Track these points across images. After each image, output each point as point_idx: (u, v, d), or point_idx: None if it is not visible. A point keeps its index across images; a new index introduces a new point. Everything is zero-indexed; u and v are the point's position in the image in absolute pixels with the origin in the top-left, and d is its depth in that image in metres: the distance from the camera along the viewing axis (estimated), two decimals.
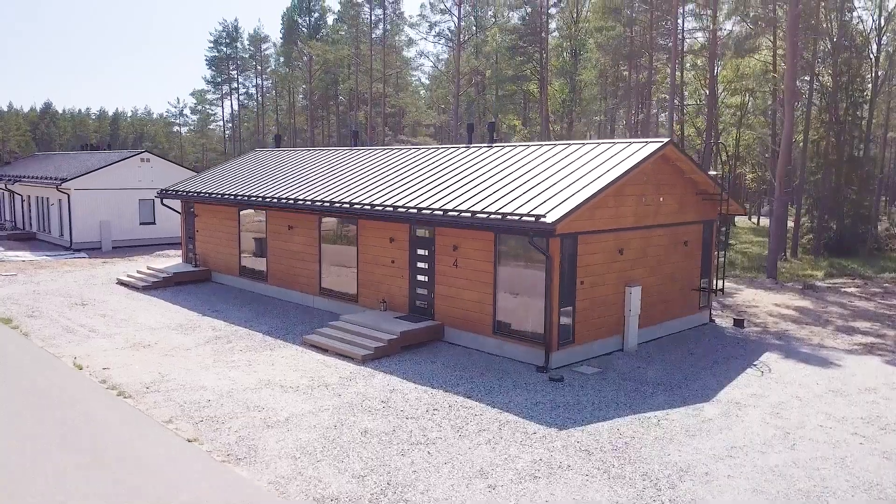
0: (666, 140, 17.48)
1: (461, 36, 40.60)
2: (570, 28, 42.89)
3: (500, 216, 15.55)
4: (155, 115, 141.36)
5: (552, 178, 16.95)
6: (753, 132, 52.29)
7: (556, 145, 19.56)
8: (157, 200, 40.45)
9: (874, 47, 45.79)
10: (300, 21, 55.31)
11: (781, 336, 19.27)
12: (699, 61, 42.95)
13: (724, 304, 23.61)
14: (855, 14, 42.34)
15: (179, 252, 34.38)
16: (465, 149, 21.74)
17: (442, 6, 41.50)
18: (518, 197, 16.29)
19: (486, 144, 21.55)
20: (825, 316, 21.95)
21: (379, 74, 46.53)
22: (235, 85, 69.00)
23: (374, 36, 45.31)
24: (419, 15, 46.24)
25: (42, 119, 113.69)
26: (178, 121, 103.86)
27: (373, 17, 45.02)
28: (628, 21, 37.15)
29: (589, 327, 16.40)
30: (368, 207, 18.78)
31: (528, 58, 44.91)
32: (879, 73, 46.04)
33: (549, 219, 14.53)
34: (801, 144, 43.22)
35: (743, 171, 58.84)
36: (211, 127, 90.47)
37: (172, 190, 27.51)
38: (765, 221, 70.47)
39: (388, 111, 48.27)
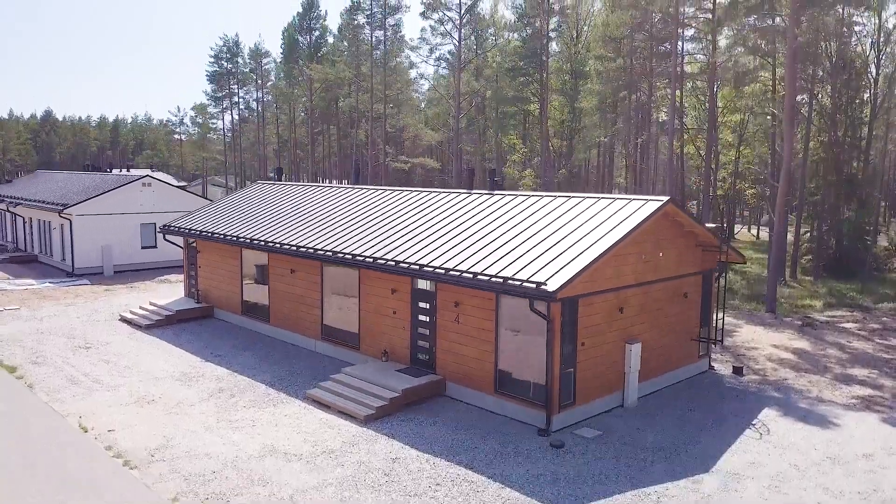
0: (665, 199, 17.64)
1: (461, 58, 40.73)
2: (570, 49, 43.03)
3: (501, 279, 15.70)
4: (155, 122, 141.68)
5: (553, 236, 17.10)
6: (753, 151, 52.49)
7: (556, 197, 19.71)
8: (159, 223, 40.74)
9: (873, 69, 45.95)
10: (301, 39, 55.49)
11: (780, 387, 19.42)
12: (699, 82, 43.06)
13: (724, 344, 23.75)
14: (853, 36, 42.39)
15: (181, 277, 34.57)
16: (466, 195, 21.89)
17: (442, 29, 41.73)
18: (519, 257, 16.44)
19: (486, 192, 21.70)
20: (823, 361, 22.10)
21: (379, 95, 46.67)
22: (236, 99, 69.26)
23: (374, 57, 45.44)
24: (420, 38, 46.65)
25: (43, 127, 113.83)
26: (178, 129, 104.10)
27: (373, 39, 45.15)
28: (628, 52, 37.31)
29: (590, 387, 16.56)
30: (371, 260, 18.93)
31: (528, 79, 45.06)
32: (878, 95, 46.16)
33: (551, 287, 14.68)
34: (800, 166, 43.32)
35: (742, 187, 59.10)
36: (211, 136, 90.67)
37: (175, 226, 27.64)
38: (764, 233, 70.75)
39: (388, 130, 48.39)
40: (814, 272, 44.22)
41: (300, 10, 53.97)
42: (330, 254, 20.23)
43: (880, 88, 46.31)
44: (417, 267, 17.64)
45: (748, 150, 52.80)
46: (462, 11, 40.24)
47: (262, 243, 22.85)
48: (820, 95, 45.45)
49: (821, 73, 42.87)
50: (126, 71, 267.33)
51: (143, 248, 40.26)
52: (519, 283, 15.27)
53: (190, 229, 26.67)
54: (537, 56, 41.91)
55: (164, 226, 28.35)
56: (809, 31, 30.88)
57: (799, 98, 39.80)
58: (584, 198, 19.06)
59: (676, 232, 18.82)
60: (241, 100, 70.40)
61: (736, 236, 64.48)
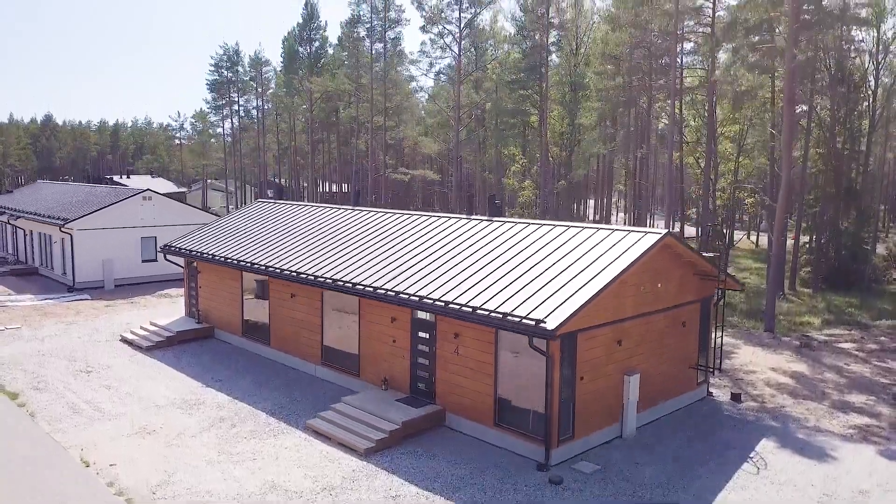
0: (664, 232, 17.75)
1: (461, 71, 40.81)
2: (569, 62, 43.13)
3: (500, 315, 15.80)
4: (155, 125, 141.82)
5: (552, 268, 17.19)
6: (752, 161, 52.55)
7: (554, 226, 19.80)
8: (160, 237, 40.87)
9: (872, 81, 46.04)
10: (301, 49, 55.59)
11: (778, 415, 19.53)
12: (698, 95, 43.15)
13: (723, 367, 23.83)
14: (852, 48, 42.47)
15: (181, 291, 34.65)
16: (465, 221, 22.00)
17: (442, 42, 41.85)
18: (519, 290, 16.54)
19: (486, 218, 21.80)
20: (821, 386, 22.20)
21: (379, 107, 46.78)
22: (236, 107, 69.35)
23: (374, 70, 45.55)
24: (420, 51, 46.62)
25: (43, 132, 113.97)
26: (178, 134, 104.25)
27: (373, 52, 45.23)
28: (628, 70, 37.44)
29: (589, 420, 16.66)
30: (371, 290, 19.04)
31: (528, 90, 45.14)
32: (877, 107, 46.27)
33: (550, 325, 14.78)
34: (799, 177, 43.40)
35: (742, 196, 59.23)
36: (211, 142, 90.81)
37: (175, 246, 27.73)
38: (763, 239, 70.69)
39: (388, 142, 48.52)
40: (813, 284, 44.36)
41: (300, 20, 54.15)
42: (330, 281, 20.34)
43: (879, 100, 46.40)
44: (417, 299, 17.75)
45: (747, 161, 52.88)
46: (462, 25, 40.33)
47: (263, 268, 22.95)
48: (819, 107, 45.59)
49: (820, 85, 42.98)
50: (126, 74, 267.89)
51: (143, 261, 40.36)
52: (518, 319, 15.37)
53: (190, 250, 26.77)
54: (537, 69, 42.01)
55: (165, 245, 28.45)
56: (808, 48, 30.98)
57: (798, 109, 39.90)
58: (583, 228, 19.16)
59: (675, 262, 18.92)
60: (241, 108, 70.54)
61: (735, 244, 64.56)
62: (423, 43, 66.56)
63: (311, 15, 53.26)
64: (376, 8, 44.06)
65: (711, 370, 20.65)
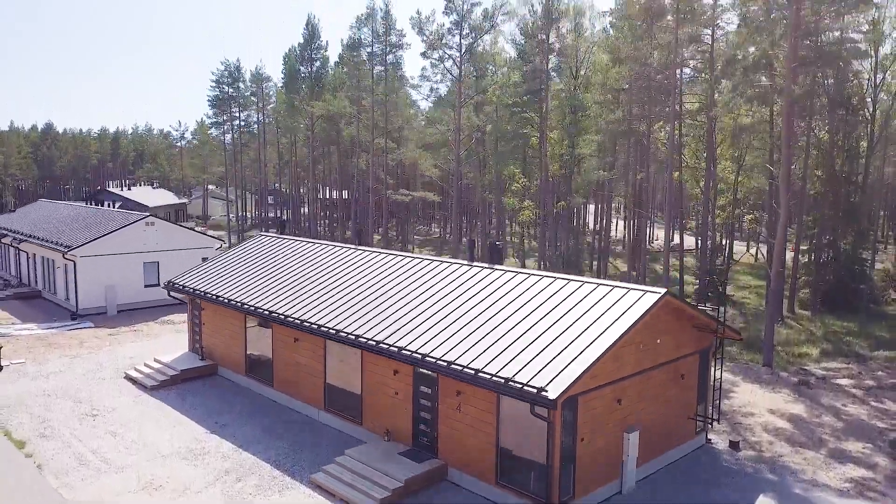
0: (663, 292, 17.98)
1: (461, 96, 41.05)
2: (569, 84, 43.33)
3: (501, 380, 16.02)
4: (155, 131, 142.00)
5: (553, 328, 17.41)
6: (751, 181, 52.79)
7: (555, 279, 20.01)
8: (162, 262, 41.19)
9: (870, 103, 46.23)
10: (301, 69, 55.75)
11: (775, 466, 19.78)
12: (698, 118, 43.33)
13: (722, 407, 24.09)
14: (850, 71, 42.66)
15: (184, 317, 34.88)
16: (467, 268, 22.23)
17: (442, 67, 42.10)
18: (521, 352, 16.75)
19: (488, 266, 22.04)
20: (818, 432, 22.45)
21: (381, 129, 47.05)
22: (238, 122, 69.60)
23: (374, 94, 45.81)
24: (420, 76, 46.94)
25: (43, 141, 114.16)
26: (179, 143, 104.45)
27: (374, 76, 45.47)
28: (627, 102, 37.70)
29: (589, 479, 16.90)
30: (374, 343, 19.28)
31: (527, 111, 45.37)
32: (876, 132, 46.49)
33: (551, 393, 15.01)
34: (798, 199, 43.61)
35: (742, 212, 59.58)
36: (212, 152, 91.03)
37: (179, 284, 27.96)
38: (763, 248, 70.90)
39: (389, 163, 48.77)
40: (812, 306, 44.62)
41: (301, 40, 54.37)
42: (333, 332, 20.58)
43: (878, 122, 46.62)
44: (420, 356, 17.97)
45: (747, 179, 53.12)
46: (462, 51, 40.56)
47: (266, 313, 23.19)
48: (817, 128, 45.83)
49: (818, 107, 43.17)
50: (126, 78, 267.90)
51: (146, 286, 40.64)
52: (520, 385, 15.60)
53: (194, 289, 27.01)
54: (537, 93, 42.25)
55: (169, 282, 28.68)
56: (806, 82, 31.22)
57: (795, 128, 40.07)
58: (583, 283, 19.38)
59: (673, 317, 19.17)
60: (242, 123, 70.77)
61: (736, 261, 64.81)
62: (423, 68, 66.60)
63: (312, 35, 53.43)
64: (377, 32, 44.35)
65: (710, 420, 20.89)
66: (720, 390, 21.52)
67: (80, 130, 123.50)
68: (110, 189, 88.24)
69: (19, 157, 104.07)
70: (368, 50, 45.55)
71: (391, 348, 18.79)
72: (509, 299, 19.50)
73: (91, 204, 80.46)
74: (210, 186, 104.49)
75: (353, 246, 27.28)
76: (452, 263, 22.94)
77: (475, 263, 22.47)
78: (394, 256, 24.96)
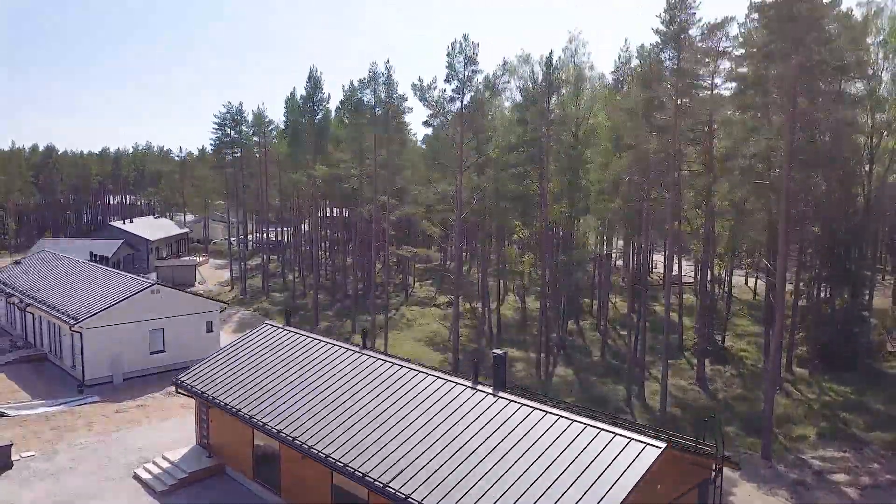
0: (664, 445, 18.45)
1: (462, 162, 41.52)
2: (569, 153, 43.87)
3: None
4: (155, 149, 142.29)
5: (557, 483, 17.90)
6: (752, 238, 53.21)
7: (559, 418, 20.38)
8: (167, 328, 41.73)
9: (867, 157, 46.66)
10: (303, 120, 56.15)
11: None
12: (698, 179, 43.73)
13: None
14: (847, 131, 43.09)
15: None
16: (472, 392, 22.70)
17: (444, 134, 42.60)
18: None
19: (492, 392, 22.51)
20: None
21: (383, 188, 47.56)
22: (240, 167, 70.10)
23: (377, 159, 46.35)
24: (422, 142, 47.50)
25: (45, 165, 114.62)
26: (180, 171, 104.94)
27: (376, 141, 45.96)
28: (626, 192, 38.24)
29: None
30: (380, 485, 19.74)
31: (527, 170, 45.84)
32: (873, 193, 46.99)
33: None
34: (795, 262, 44.10)
35: (741, 253, 60.19)
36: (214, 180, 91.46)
37: (187, 384, 28.41)
38: (761, 280, 71.28)
39: (392, 219, 49.32)
40: (810, 367, 45.07)
41: (304, 93, 54.76)
42: (340, 464, 21.04)
43: (874, 182, 47.15)
44: None
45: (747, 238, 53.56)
46: (463, 121, 41.03)
47: (274, 431, 23.65)
48: (813, 187, 46.24)
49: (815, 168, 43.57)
50: (127, 99, 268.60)
51: (151, 353, 41.16)
52: None
53: (202, 392, 27.47)
54: (537, 157, 42.67)
55: (177, 380, 29.10)
56: (802, 179, 31.65)
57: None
58: (586, 426, 19.77)
59: (673, 460, 19.63)
60: (244, 163, 71.23)
61: (734, 293, 65.18)
62: (426, 134, 67.27)
63: (314, 87, 53.82)
64: (380, 98, 44.80)
65: None
66: None
67: (81, 152, 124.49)
68: (112, 223, 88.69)
69: (21, 181, 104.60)
70: (369, 117, 46.07)
71: (397, 493, 19.23)
72: (513, 441, 19.88)
73: (93, 238, 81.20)
74: (213, 212, 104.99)
75: (358, 349, 27.63)
76: (459, 385, 23.35)
77: (479, 388, 22.92)
78: (401, 368, 25.33)
